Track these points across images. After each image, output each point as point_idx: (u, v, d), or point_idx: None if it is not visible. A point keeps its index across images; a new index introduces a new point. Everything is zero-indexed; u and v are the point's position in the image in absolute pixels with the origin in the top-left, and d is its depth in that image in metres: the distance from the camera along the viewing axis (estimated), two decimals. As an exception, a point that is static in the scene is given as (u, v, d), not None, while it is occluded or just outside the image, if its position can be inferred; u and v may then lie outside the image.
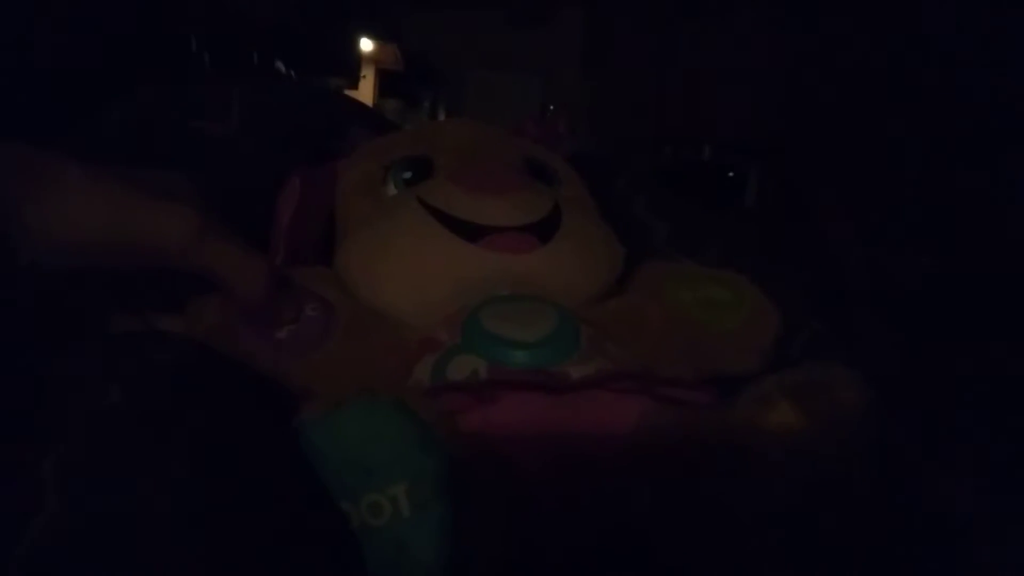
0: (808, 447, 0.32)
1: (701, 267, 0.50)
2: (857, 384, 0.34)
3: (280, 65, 1.40)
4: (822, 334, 0.46)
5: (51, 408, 0.26)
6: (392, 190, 0.46)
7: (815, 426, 0.33)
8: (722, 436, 0.33)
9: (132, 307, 0.36)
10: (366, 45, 2.17)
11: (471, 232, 0.41)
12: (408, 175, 0.46)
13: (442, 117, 2.57)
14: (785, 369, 0.35)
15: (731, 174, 2.01)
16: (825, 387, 0.34)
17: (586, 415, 0.33)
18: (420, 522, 0.26)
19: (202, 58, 1.03)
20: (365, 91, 2.27)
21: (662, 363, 0.40)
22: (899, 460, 0.38)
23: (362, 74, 2.20)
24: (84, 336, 0.32)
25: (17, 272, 0.28)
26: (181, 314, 0.37)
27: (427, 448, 0.27)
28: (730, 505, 0.31)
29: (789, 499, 0.32)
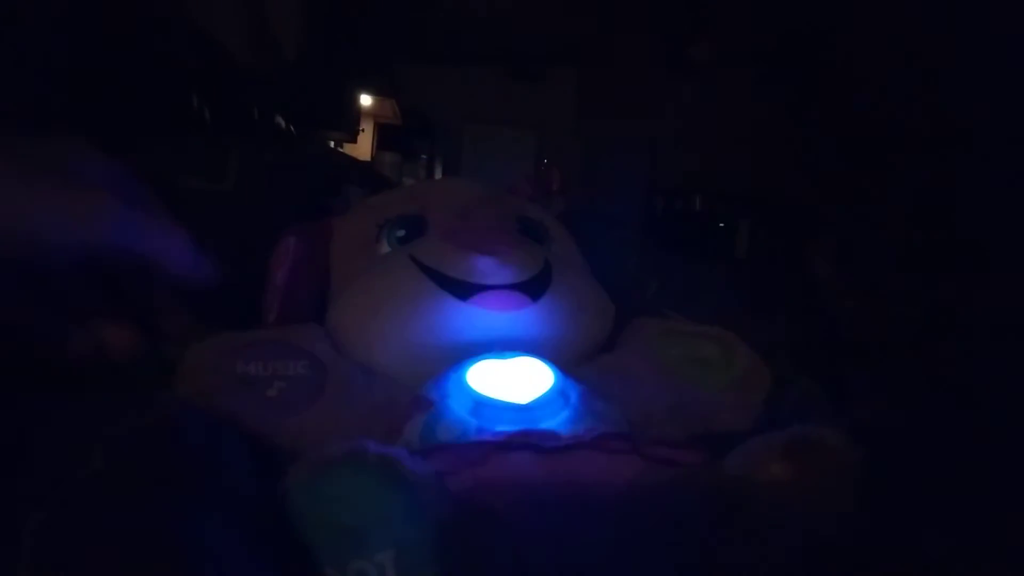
0: (799, 508, 0.32)
1: (692, 323, 0.50)
2: (848, 444, 0.34)
3: (280, 120, 1.43)
4: (813, 391, 0.47)
5: (30, 472, 0.26)
6: (385, 248, 0.47)
7: (806, 487, 0.33)
8: (713, 496, 0.33)
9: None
10: (365, 100, 2.22)
11: (462, 290, 0.41)
12: (401, 233, 0.47)
13: (439, 170, 2.61)
14: (775, 428, 0.35)
15: (721, 225, 2.05)
16: (815, 447, 0.34)
17: (577, 476, 0.33)
18: (407, 590, 0.25)
19: (202, 113, 1.05)
20: (364, 145, 2.31)
21: (652, 421, 0.40)
22: (890, 519, 0.38)
23: (361, 128, 2.24)
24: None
25: None
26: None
27: (416, 513, 0.27)
28: (722, 564, 0.31)
29: (780, 560, 0.31)
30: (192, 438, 0.30)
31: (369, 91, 2.20)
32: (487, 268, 0.42)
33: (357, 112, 2.18)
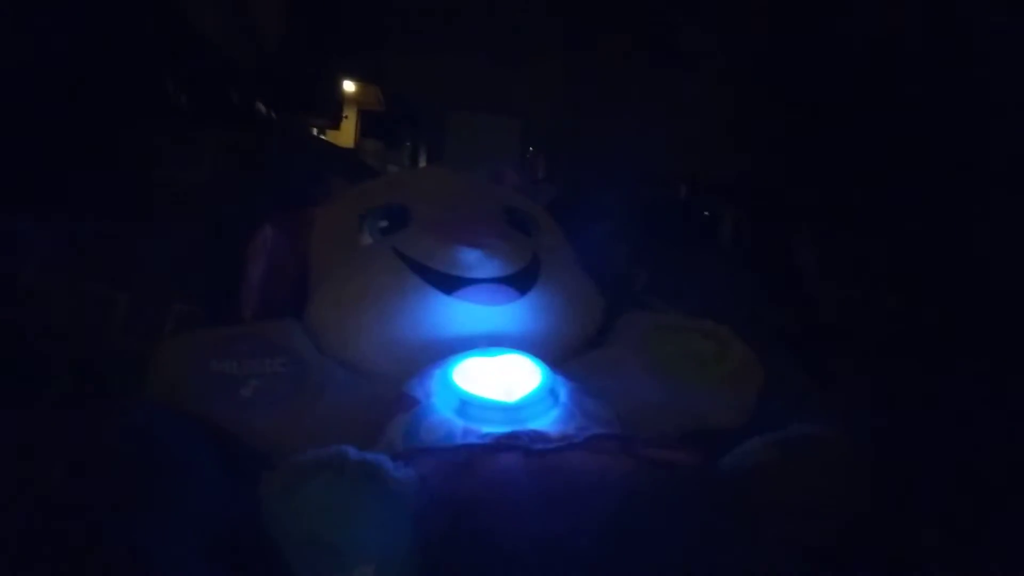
0: (793, 505, 0.32)
1: (684, 318, 0.49)
2: (841, 441, 0.34)
3: (261, 106, 1.40)
4: (806, 387, 0.46)
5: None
6: (367, 239, 0.45)
7: (799, 484, 0.32)
8: (709, 498, 0.32)
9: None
10: (348, 86, 2.19)
11: (447, 283, 0.40)
12: (384, 224, 0.45)
13: (423, 158, 2.58)
14: (769, 427, 0.34)
15: (706, 214, 2.05)
16: (809, 445, 0.34)
17: (568, 478, 0.32)
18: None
19: (179, 99, 1.02)
20: (347, 132, 2.27)
21: (644, 419, 0.39)
22: (884, 516, 0.37)
23: (344, 115, 2.21)
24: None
25: None
26: None
27: (398, 523, 0.25)
28: (716, 563, 0.30)
29: (775, 556, 0.31)
30: (161, 445, 0.28)
31: (352, 77, 2.16)
32: (473, 261, 0.41)
33: (340, 99, 2.14)
